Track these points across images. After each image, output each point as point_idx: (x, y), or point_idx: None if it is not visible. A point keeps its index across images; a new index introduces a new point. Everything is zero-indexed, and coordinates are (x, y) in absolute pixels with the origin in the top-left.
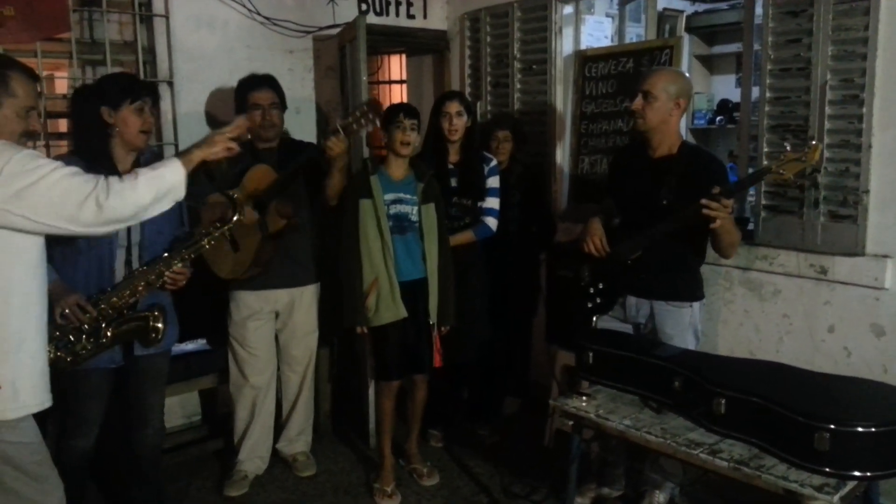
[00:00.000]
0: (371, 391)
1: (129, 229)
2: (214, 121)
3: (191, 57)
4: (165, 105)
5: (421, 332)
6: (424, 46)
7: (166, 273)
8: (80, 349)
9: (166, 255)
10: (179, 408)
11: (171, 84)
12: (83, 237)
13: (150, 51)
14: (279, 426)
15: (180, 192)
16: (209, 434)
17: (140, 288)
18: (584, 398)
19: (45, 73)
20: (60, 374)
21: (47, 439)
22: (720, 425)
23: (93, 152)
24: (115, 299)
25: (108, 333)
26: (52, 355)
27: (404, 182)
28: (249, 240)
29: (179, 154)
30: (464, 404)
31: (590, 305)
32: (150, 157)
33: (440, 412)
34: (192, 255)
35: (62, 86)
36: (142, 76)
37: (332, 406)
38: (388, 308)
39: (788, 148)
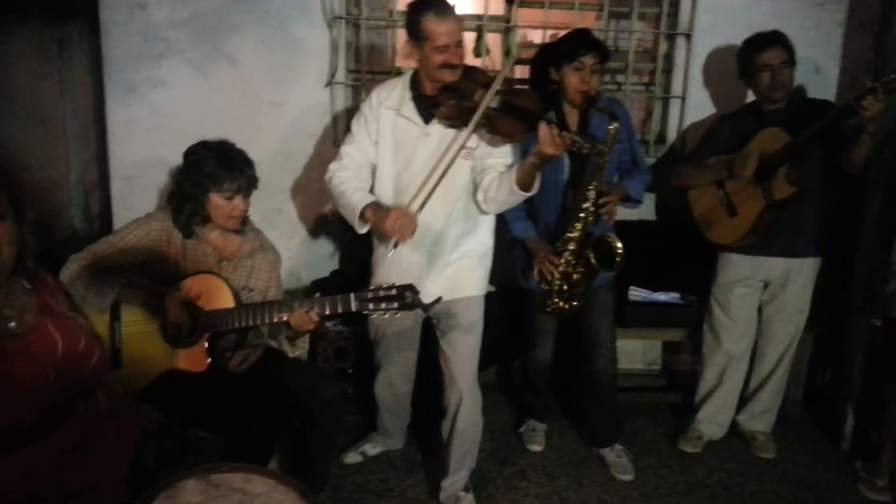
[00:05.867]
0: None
1: (562, 170)
2: (727, 77)
3: (711, 9)
4: (679, 58)
5: None
6: None
7: (584, 206)
8: (566, 296)
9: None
10: (641, 353)
11: (688, 37)
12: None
13: (674, 3)
14: (744, 398)
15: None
16: (667, 385)
17: (579, 225)
18: None
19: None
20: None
21: None
22: None
23: (546, 107)
24: (571, 235)
25: (576, 277)
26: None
27: None
28: (750, 206)
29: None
30: None
31: None
32: (598, 121)
33: None
34: (598, 183)
35: None
36: (662, 28)
37: (803, 395)
38: None
39: None
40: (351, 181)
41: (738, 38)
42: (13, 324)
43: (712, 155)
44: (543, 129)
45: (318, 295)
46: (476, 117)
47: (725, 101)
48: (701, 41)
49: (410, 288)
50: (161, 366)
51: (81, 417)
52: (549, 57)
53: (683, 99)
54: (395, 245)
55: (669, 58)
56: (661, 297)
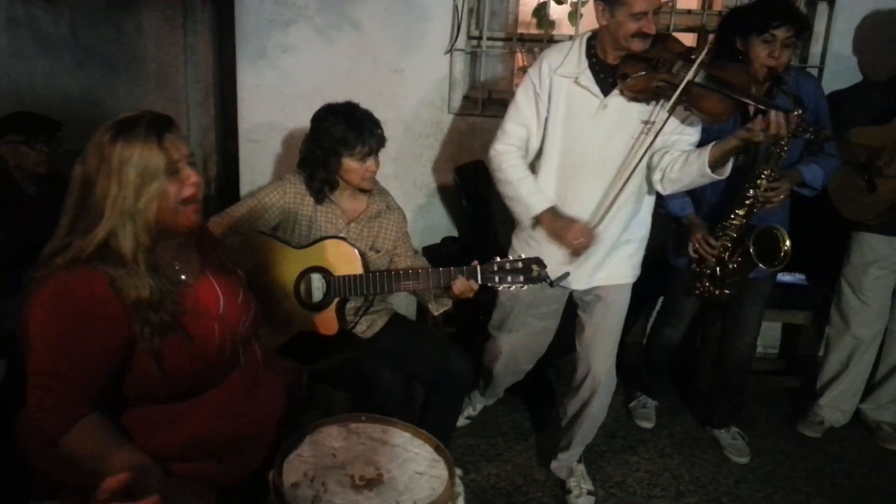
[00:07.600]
0: None
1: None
2: (869, 47)
3: None
4: (819, 26)
5: None
6: None
7: (751, 192)
8: (718, 283)
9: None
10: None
11: (831, 3)
12: None
13: None
14: (870, 386)
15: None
16: (785, 370)
17: (742, 212)
18: None
19: None
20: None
21: None
22: None
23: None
24: (733, 221)
25: (732, 266)
26: (707, 291)
27: None
28: (892, 183)
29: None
30: None
31: None
32: (782, 101)
33: None
34: (771, 171)
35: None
36: None
37: None
38: None
39: None
40: (525, 177)
41: (886, 4)
42: (184, 276)
43: (857, 125)
44: (776, 116)
45: (435, 270)
46: (677, 93)
47: (865, 73)
48: (845, 7)
49: (537, 261)
50: (295, 327)
51: (244, 368)
52: (736, 24)
53: (821, 69)
54: (577, 255)
55: (807, 25)
56: (786, 277)
